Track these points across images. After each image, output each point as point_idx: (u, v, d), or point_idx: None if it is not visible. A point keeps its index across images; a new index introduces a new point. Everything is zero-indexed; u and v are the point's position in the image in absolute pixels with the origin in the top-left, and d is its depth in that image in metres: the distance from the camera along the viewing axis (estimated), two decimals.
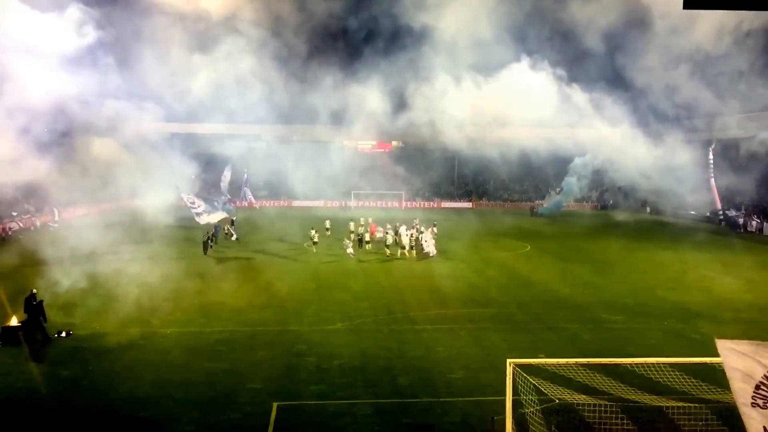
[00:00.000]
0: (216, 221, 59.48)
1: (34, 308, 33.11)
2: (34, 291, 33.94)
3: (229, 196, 71.83)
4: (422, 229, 66.86)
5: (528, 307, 40.90)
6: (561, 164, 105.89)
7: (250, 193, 76.80)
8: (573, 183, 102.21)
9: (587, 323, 37.14)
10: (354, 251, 58.60)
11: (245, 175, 74.08)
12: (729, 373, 14.18)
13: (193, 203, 56.84)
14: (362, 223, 70.18)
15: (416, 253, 59.72)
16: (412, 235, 62.69)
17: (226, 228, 67.44)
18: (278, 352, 31.16)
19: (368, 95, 71.52)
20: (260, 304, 40.89)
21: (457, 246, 65.80)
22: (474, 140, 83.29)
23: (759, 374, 13.87)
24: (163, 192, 56.54)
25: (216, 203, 60.08)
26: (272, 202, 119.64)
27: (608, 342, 33.43)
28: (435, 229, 67.36)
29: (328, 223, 73.59)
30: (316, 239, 63.86)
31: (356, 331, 35.05)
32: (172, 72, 60.07)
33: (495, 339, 33.77)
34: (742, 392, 14.04)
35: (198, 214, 57.33)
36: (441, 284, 47.30)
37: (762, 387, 13.86)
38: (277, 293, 43.88)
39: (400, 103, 74.86)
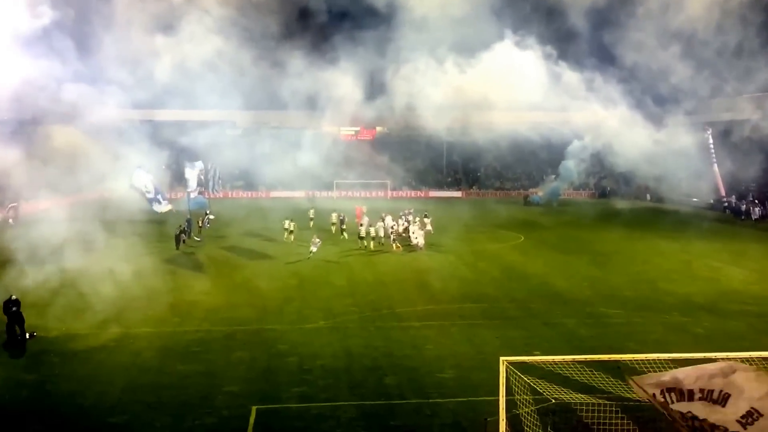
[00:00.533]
0: (165, 211, 59.05)
1: (13, 314, 33.08)
2: (14, 297, 33.75)
3: (201, 188, 71.35)
4: (413, 219, 67.00)
5: (522, 301, 41.06)
6: (555, 150, 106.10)
7: (219, 188, 76.16)
8: (571, 167, 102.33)
9: (585, 318, 37.32)
10: (319, 244, 56.38)
11: (213, 168, 73.13)
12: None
13: (146, 188, 56.38)
14: (365, 211, 70.80)
15: (395, 247, 59.71)
16: (395, 227, 62.69)
17: (200, 221, 67.22)
18: (257, 353, 31.17)
19: (349, 79, 71.39)
20: (237, 301, 40.87)
21: (446, 238, 65.88)
22: (462, 126, 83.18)
23: (649, 398, 14.32)
24: (131, 182, 56.27)
25: (161, 195, 59.70)
26: (249, 193, 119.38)
27: (607, 338, 33.62)
28: (427, 220, 67.41)
29: (311, 213, 73.84)
30: (291, 228, 64.02)
31: (340, 329, 35.10)
32: (136, 55, 59.70)
33: (487, 336, 33.89)
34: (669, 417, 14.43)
35: (152, 201, 56.88)
36: (430, 278, 47.37)
37: (670, 416, 14.22)
38: (255, 290, 43.87)
39: (382, 88, 74.65)
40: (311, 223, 71.17)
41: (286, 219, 65.82)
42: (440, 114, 71.97)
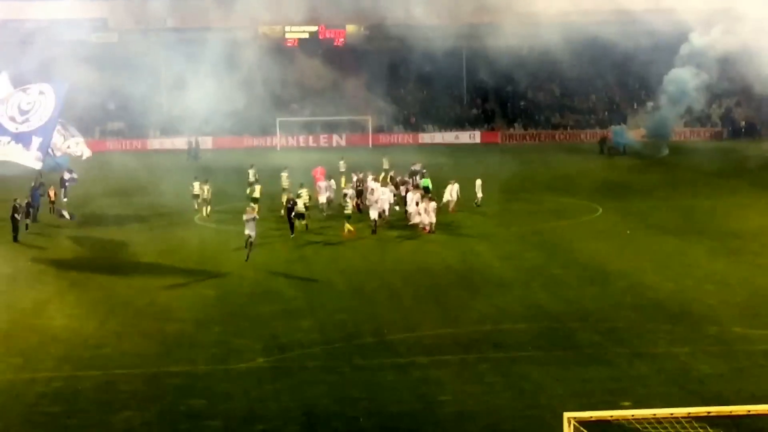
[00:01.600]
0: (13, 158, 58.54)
1: None
2: None
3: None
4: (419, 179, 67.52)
5: (601, 318, 41.31)
6: (651, 59, 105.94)
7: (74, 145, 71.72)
8: (686, 78, 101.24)
9: (708, 344, 37.54)
10: (254, 221, 53.76)
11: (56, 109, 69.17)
12: None
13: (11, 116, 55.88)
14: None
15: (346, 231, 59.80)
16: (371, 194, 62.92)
17: (51, 193, 66.98)
18: (155, 413, 31.24)
19: None
20: (119, 328, 40.91)
21: (471, 211, 66.03)
22: (489, 23, 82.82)
23: None
24: None
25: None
26: (133, 142, 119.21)
27: (746, 377, 33.86)
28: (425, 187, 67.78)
29: (252, 174, 73.59)
30: (205, 195, 64.33)
31: (292, 371, 35.26)
32: None
33: (542, 377, 34.10)
34: None
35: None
36: (443, 282, 47.70)
37: None
38: (149, 308, 44.05)
39: None
40: (254, 190, 70.82)
41: (196, 181, 66.03)
42: (451, 4, 71.81)
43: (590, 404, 28.51)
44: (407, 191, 65.02)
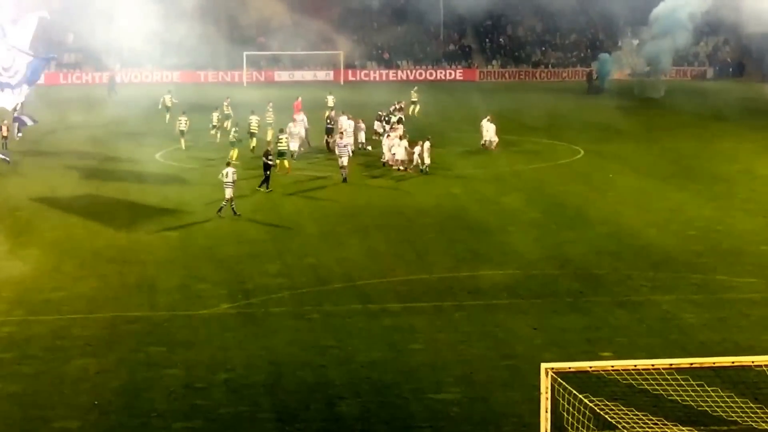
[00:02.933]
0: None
1: None
2: None
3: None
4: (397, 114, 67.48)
5: (580, 265, 41.43)
6: None
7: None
8: (681, 7, 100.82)
9: (692, 293, 37.67)
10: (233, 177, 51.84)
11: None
12: None
13: None
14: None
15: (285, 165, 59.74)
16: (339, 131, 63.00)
17: (3, 128, 66.67)
18: (112, 361, 31.13)
19: None
20: (74, 270, 40.86)
21: (446, 153, 65.95)
22: None
23: None
24: None
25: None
26: (92, 75, 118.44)
27: (731, 327, 33.94)
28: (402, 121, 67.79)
29: (227, 105, 73.28)
30: (183, 127, 64.62)
31: (257, 318, 35.26)
32: None
33: (518, 326, 34.16)
34: None
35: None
36: (417, 226, 47.82)
37: None
38: (106, 250, 43.85)
39: None
40: (213, 118, 70.25)
41: (165, 95, 66.42)
42: None
43: (568, 355, 28.63)
44: (391, 129, 64.67)
